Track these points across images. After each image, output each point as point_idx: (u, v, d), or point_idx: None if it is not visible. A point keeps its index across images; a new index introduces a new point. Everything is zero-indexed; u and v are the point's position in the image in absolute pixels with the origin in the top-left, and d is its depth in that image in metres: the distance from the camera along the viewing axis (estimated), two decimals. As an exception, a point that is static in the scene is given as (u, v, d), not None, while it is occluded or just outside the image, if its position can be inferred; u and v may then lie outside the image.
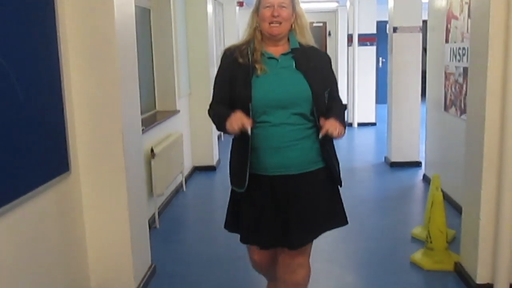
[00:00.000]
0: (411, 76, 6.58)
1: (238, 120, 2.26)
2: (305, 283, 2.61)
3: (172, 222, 4.87)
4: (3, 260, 2.32)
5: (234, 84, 2.40)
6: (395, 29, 6.58)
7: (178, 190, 5.72)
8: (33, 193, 2.53)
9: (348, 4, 10.50)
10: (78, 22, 3.01)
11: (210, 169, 6.61)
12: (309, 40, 2.48)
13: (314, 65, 2.41)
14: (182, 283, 3.61)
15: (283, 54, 2.41)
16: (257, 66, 2.37)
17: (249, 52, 2.40)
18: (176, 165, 5.38)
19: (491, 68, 3.05)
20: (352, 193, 5.45)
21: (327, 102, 2.43)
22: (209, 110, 2.56)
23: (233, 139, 2.51)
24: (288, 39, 2.44)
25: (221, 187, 5.85)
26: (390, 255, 4.00)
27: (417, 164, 6.58)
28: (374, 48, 9.96)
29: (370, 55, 10.00)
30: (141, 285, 3.41)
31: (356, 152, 8.36)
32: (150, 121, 5.04)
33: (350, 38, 10.34)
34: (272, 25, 2.36)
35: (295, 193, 2.42)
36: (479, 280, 3.28)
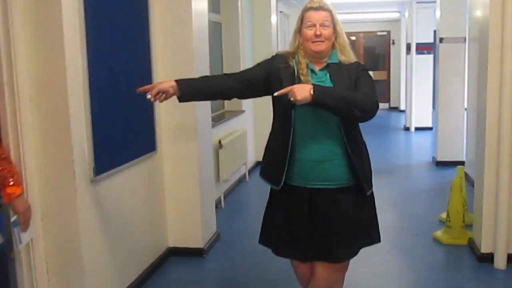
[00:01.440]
0: (456, 83, 7.19)
1: None
2: None
3: (235, 204, 5.77)
4: (111, 210, 3.26)
5: (276, 84, 2.46)
6: (441, 40, 7.22)
7: (241, 179, 6.64)
8: (131, 163, 3.49)
9: (406, 14, 11.09)
10: (163, 30, 3.95)
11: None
12: (349, 57, 2.53)
13: (347, 75, 2.47)
14: (240, 247, 4.47)
15: (320, 70, 2.49)
16: (302, 78, 2.44)
17: (294, 62, 2.51)
18: (240, 156, 6.29)
19: (490, 73, 3.76)
20: (397, 186, 6.35)
21: None
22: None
23: (272, 131, 2.60)
24: (330, 57, 2.52)
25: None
26: (417, 233, 4.71)
27: (461, 163, 7.15)
28: (431, 56, 10.49)
29: (427, 63, 10.53)
30: (207, 245, 4.30)
31: (409, 152, 9.13)
32: (219, 118, 5.97)
33: (408, 46, 10.94)
34: (315, 43, 2.44)
35: (336, 206, 2.46)
36: (483, 250, 3.96)
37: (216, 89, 2.66)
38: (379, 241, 2.63)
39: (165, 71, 3.93)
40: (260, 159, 2.76)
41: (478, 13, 3.90)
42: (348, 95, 2.37)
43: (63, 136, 2.81)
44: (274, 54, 2.64)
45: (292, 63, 2.51)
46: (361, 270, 3.78)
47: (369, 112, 2.37)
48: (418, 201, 5.82)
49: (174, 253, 4.19)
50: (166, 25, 3.96)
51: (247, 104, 7.01)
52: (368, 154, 2.59)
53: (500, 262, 3.86)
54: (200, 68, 4.09)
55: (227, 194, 5.97)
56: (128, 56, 3.47)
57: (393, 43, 15.05)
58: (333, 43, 2.51)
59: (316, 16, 2.45)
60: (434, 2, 8.23)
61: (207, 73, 4.37)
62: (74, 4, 2.82)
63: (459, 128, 7.24)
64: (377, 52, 15.86)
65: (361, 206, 2.52)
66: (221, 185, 5.61)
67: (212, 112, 4.91)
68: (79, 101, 2.90)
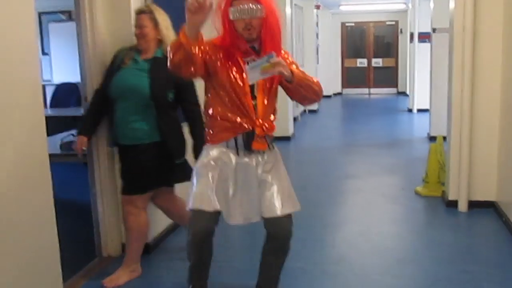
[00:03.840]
0: (446, 68, 8.17)
1: None
2: None
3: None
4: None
5: None
6: (434, 30, 8.26)
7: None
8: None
9: (410, 5, 12.06)
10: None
11: (286, 139, 8.73)
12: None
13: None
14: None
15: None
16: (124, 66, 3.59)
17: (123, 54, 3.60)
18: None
19: (455, 56, 4.82)
20: (395, 155, 7.67)
21: None
22: None
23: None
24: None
25: (294, 152, 7.99)
26: (403, 188, 5.83)
27: (451, 138, 8.23)
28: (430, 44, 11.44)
29: (427, 51, 11.47)
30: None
31: (409, 130, 10.33)
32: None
33: (411, 35, 11.93)
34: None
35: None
36: (450, 198, 5.03)
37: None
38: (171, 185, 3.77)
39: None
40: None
41: (452, 4, 4.93)
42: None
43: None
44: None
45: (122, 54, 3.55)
46: (357, 211, 4.91)
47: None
48: (410, 166, 6.92)
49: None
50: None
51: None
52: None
53: (462, 206, 4.93)
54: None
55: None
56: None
57: (401, 32, 16.02)
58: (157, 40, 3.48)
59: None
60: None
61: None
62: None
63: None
64: (386, 41, 16.84)
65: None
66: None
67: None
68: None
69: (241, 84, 2.73)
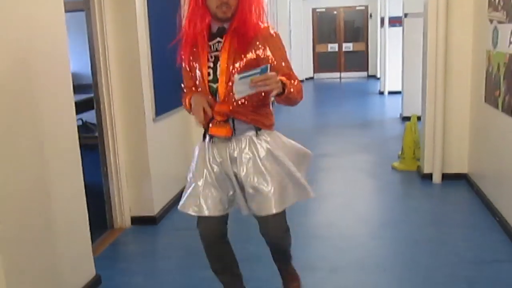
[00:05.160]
0: (418, 53, 8.63)
1: None
2: None
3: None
4: (164, 141, 4.73)
5: None
6: (406, 15, 8.71)
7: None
8: (173, 111, 4.93)
9: (380, -10, 12.50)
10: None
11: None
12: None
13: None
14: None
15: None
16: None
17: None
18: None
19: (429, 40, 5.25)
20: (370, 135, 8.15)
21: None
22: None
23: None
24: None
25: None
26: (381, 164, 6.26)
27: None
28: (401, 29, 11.90)
29: (398, 35, 11.92)
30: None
31: (381, 111, 10.84)
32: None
33: (382, 20, 12.38)
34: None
35: None
36: (425, 171, 5.49)
37: None
38: None
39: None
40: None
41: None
42: None
43: (137, 91, 4.27)
44: None
45: None
46: (339, 186, 5.33)
47: None
48: (385, 144, 7.39)
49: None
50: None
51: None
52: None
53: (436, 178, 5.40)
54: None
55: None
56: (171, 37, 4.90)
57: (371, 16, 16.48)
58: None
59: None
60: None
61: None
62: (142, 7, 4.26)
63: (420, 90, 8.72)
64: (356, 26, 17.31)
65: None
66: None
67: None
68: (146, 67, 4.34)
69: (203, 70, 2.55)
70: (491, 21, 4.46)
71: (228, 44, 2.49)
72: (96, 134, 4.28)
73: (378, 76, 14.58)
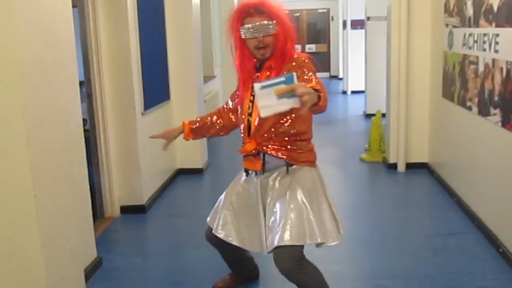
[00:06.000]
0: (380, 55, 9.14)
1: None
2: None
3: (218, 139, 7.60)
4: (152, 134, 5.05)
5: None
6: (368, 18, 9.21)
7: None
8: (159, 105, 5.27)
9: (342, -7, 13.01)
10: (172, 20, 5.69)
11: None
12: None
13: None
14: (226, 170, 6.33)
15: None
16: None
17: None
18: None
19: (393, 41, 5.72)
20: (336, 130, 8.56)
21: None
22: None
23: None
24: None
25: (237, 132, 8.72)
26: (349, 157, 6.72)
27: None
28: (363, 31, 12.42)
29: (360, 37, 12.47)
30: (205, 165, 6.13)
31: (345, 109, 11.29)
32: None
33: (344, 22, 12.91)
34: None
35: None
36: (391, 161, 5.96)
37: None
38: None
39: (173, 46, 5.70)
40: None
41: (388, -2, 5.85)
42: None
43: (128, 86, 4.57)
44: None
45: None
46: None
47: None
48: (351, 139, 7.89)
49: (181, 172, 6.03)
50: (173, 16, 5.69)
51: (217, 71, 8.80)
52: None
53: (401, 168, 5.88)
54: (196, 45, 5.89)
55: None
56: (156, 36, 5.24)
57: (332, 19, 17.03)
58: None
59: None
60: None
61: (199, 46, 6.13)
62: (133, 7, 4.58)
63: (382, 88, 9.23)
64: (318, 28, 17.85)
65: None
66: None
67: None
68: (135, 64, 4.65)
69: (244, 105, 2.65)
70: (447, 25, 4.97)
71: (264, 78, 2.52)
72: (87, 127, 4.56)
73: (341, 76, 15.11)
